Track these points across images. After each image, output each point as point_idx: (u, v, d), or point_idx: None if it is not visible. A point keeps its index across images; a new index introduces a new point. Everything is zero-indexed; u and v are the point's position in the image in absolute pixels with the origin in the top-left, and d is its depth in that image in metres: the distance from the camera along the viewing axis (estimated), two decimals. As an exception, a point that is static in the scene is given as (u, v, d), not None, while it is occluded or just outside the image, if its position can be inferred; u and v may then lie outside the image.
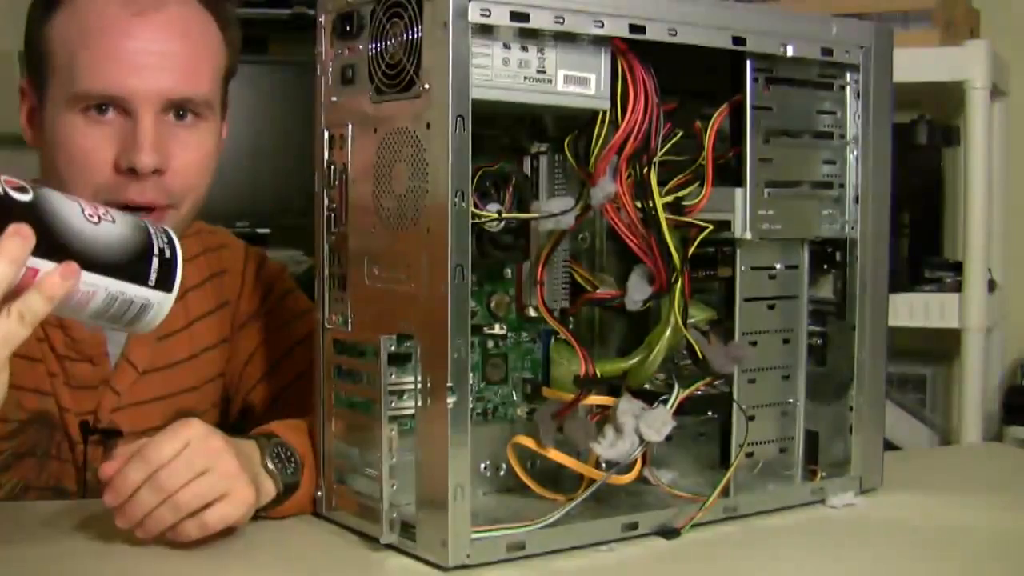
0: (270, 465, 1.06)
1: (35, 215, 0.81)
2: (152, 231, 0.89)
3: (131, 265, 0.86)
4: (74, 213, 0.84)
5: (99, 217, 0.85)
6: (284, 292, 1.34)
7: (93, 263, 0.84)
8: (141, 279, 0.86)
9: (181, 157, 1.13)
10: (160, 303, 0.87)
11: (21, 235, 0.80)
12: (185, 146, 1.14)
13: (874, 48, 1.17)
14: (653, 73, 1.03)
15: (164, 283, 0.87)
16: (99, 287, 0.84)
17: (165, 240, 0.89)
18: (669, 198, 1.07)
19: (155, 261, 0.87)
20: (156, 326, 0.90)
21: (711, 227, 1.07)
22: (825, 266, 1.19)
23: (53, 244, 0.82)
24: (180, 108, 1.13)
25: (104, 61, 1.09)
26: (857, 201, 1.18)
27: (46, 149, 1.15)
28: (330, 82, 1.06)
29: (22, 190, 0.82)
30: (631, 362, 1.08)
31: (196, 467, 0.97)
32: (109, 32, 1.10)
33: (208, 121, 1.16)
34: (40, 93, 1.14)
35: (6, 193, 0.81)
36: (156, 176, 1.11)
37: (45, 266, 0.81)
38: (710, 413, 1.16)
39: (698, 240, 1.07)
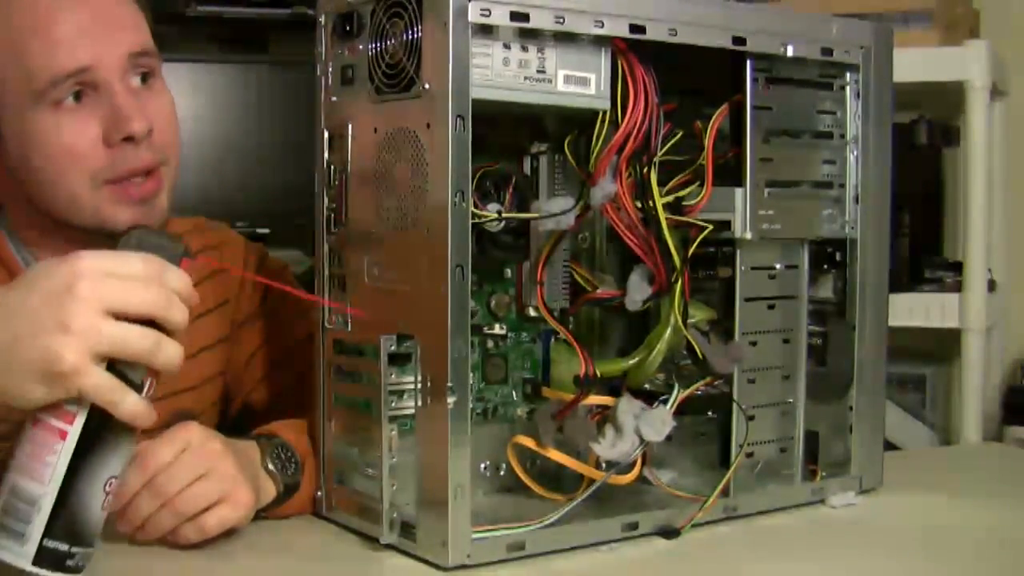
0: (270, 466, 1.06)
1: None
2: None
3: (66, 523, 0.82)
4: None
5: (108, 504, 0.85)
6: (284, 291, 1.34)
7: (74, 472, 0.82)
8: (52, 535, 0.82)
9: (157, 113, 1.13)
10: (15, 558, 0.81)
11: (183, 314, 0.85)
12: (157, 102, 1.14)
13: (874, 48, 1.17)
14: (653, 73, 1.03)
15: (44, 561, 0.82)
16: (51, 474, 0.81)
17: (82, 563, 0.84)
18: (669, 198, 1.07)
19: (63, 550, 0.82)
20: None
21: (711, 227, 1.07)
22: (825, 266, 1.19)
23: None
24: (139, 67, 1.13)
25: (59, 44, 1.08)
26: (857, 201, 1.18)
27: (15, 160, 1.12)
28: (330, 82, 1.06)
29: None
30: (631, 362, 1.08)
31: (194, 471, 0.97)
32: (52, 20, 1.09)
33: (160, 76, 1.17)
34: None
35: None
36: (148, 138, 1.11)
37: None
38: (710, 413, 1.17)
39: (698, 240, 1.07)
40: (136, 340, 0.83)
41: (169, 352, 0.85)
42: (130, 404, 0.83)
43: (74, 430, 0.82)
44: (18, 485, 0.82)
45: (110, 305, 0.82)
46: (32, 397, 0.82)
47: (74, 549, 0.82)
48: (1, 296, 0.84)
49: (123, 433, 0.84)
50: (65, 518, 0.82)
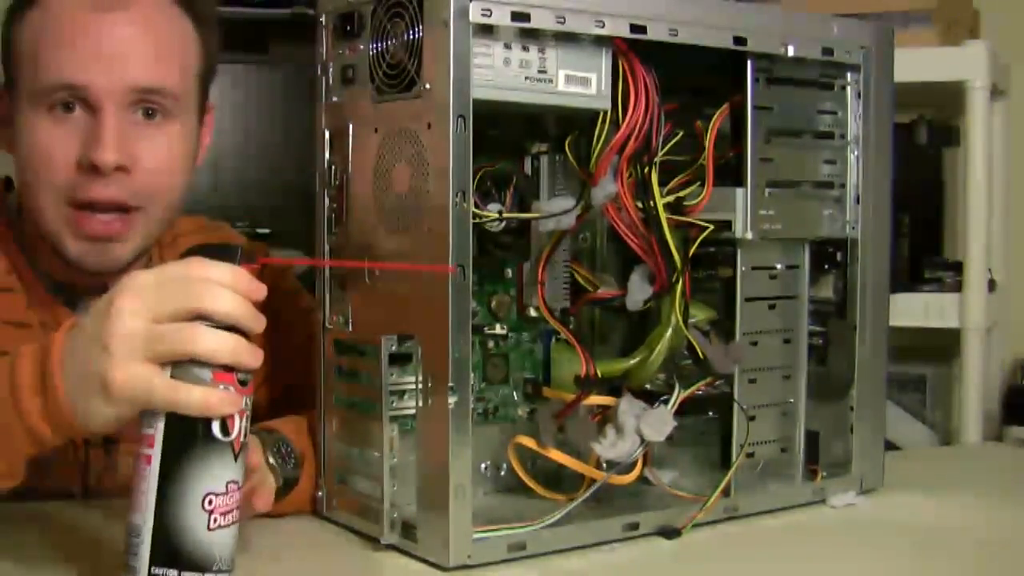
0: (271, 459, 1.05)
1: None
2: None
3: (167, 548, 0.80)
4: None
5: (218, 524, 0.81)
6: (287, 291, 1.34)
7: (163, 494, 0.80)
8: (156, 562, 0.80)
9: (149, 155, 1.11)
10: None
11: (255, 355, 0.83)
12: (153, 144, 1.11)
13: (874, 48, 1.17)
14: (654, 73, 1.04)
15: None
16: (146, 501, 0.80)
17: None
18: (670, 198, 1.07)
19: None
20: None
21: (712, 227, 1.07)
22: (826, 266, 1.19)
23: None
24: (148, 103, 1.11)
25: (65, 52, 1.08)
26: (858, 201, 1.18)
27: (17, 153, 1.13)
28: (330, 82, 1.06)
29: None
30: (632, 362, 1.08)
31: None
32: (72, 27, 1.08)
33: (179, 120, 1.14)
34: (13, 95, 1.13)
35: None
36: (120, 174, 1.09)
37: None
38: (711, 413, 1.17)
39: (699, 240, 1.07)
40: (169, 333, 0.81)
41: (209, 340, 0.81)
42: (196, 395, 0.80)
43: (156, 451, 0.81)
44: (129, 522, 0.81)
45: (148, 311, 0.81)
46: (102, 415, 0.83)
47: (185, 574, 0.80)
48: (68, 337, 0.85)
49: (208, 444, 0.81)
50: (165, 543, 0.80)
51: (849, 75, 1.17)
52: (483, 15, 0.94)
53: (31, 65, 1.10)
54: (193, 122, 1.17)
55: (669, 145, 1.07)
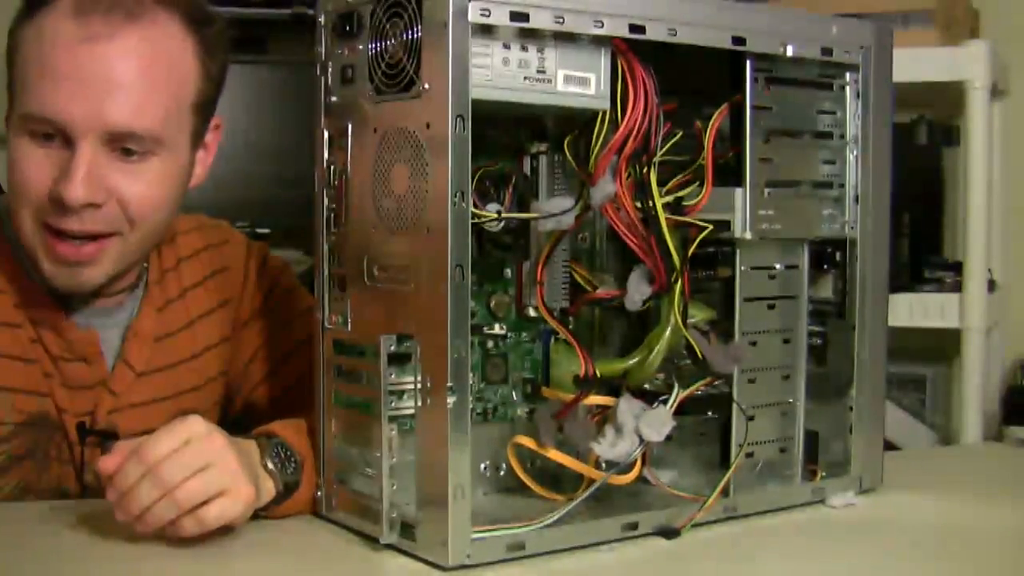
0: (270, 465, 1.05)
1: None
2: None
3: None
4: None
5: None
6: (287, 290, 1.34)
7: None
8: None
9: (125, 189, 1.10)
10: None
11: None
12: (131, 180, 1.10)
13: (874, 48, 1.17)
14: (653, 73, 1.04)
15: None
16: None
17: None
18: (669, 198, 1.07)
19: None
20: None
21: (711, 227, 1.07)
22: (825, 266, 1.19)
23: None
24: (127, 143, 1.09)
25: (47, 84, 1.07)
26: (857, 201, 1.18)
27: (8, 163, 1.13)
28: (330, 82, 1.06)
29: None
30: (631, 362, 1.08)
31: (196, 463, 0.97)
32: (57, 55, 1.07)
33: (163, 157, 1.12)
34: (14, 105, 1.13)
35: None
36: (91, 208, 1.08)
37: None
38: (710, 413, 1.16)
39: (698, 240, 1.07)
40: None
41: None
42: None
43: None
44: None
45: None
46: None
47: None
48: None
49: None
50: None
51: (848, 75, 1.17)
52: (482, 15, 0.94)
53: (20, 88, 1.10)
54: (183, 155, 1.15)
55: (668, 145, 1.07)
